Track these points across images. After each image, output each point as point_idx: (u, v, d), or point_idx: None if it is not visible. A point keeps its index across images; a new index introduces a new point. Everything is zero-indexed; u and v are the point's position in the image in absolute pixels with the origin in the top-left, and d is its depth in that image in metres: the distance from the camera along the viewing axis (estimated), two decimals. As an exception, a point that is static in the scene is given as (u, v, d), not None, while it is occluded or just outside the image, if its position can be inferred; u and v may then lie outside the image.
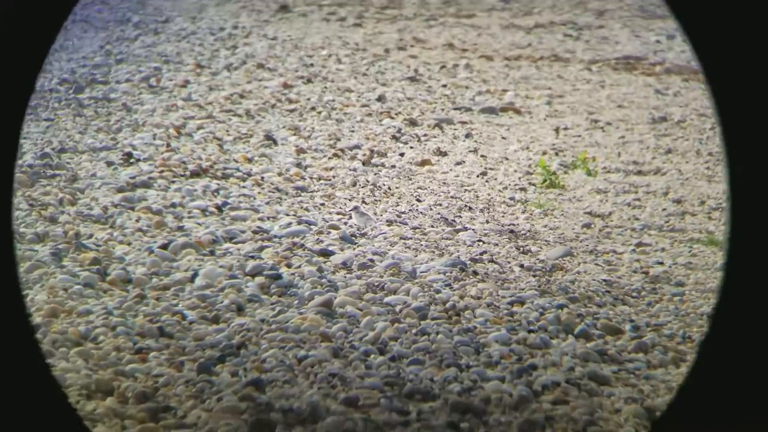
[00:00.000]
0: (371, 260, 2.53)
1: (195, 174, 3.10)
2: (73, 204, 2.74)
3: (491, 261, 2.60)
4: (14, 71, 1.13)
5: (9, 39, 1.13)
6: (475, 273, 2.49)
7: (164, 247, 2.45)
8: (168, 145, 3.37)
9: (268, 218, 2.79)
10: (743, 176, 1.23)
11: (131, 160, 3.17)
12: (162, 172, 3.07)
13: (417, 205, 3.09)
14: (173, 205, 2.79)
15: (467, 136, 4.00)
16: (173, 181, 3.01)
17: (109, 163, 3.12)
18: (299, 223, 2.75)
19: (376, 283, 2.37)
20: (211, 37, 5.25)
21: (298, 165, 3.35)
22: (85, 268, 2.28)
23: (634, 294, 2.41)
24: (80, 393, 1.73)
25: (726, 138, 1.23)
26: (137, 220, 2.65)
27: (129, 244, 2.48)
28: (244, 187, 3.05)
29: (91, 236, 2.50)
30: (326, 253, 2.55)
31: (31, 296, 2.10)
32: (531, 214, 3.10)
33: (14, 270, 1.18)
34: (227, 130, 3.67)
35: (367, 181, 3.28)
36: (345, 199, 3.08)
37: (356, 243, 2.67)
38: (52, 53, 4.46)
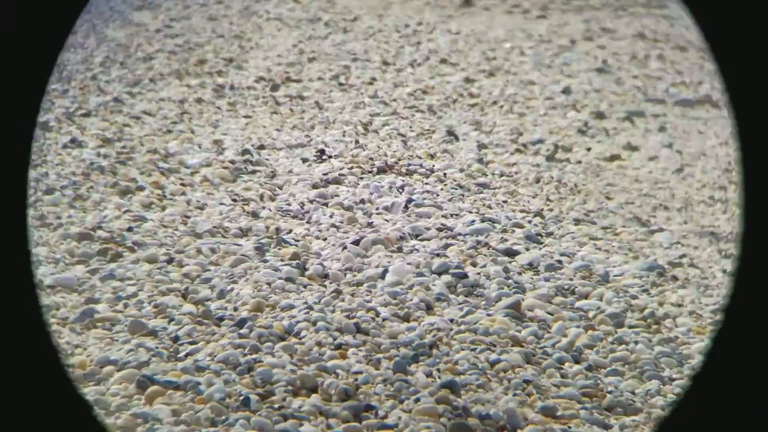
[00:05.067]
0: (559, 261, 2.46)
1: (381, 170, 3.16)
2: (272, 199, 2.87)
3: (691, 265, 2.46)
4: (18, 81, 1.10)
5: (10, 52, 1.09)
6: (675, 278, 2.36)
7: (356, 243, 2.51)
8: (356, 141, 3.46)
9: (452, 215, 2.79)
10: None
11: (324, 157, 3.28)
12: (351, 168, 3.16)
13: (606, 203, 2.97)
14: (362, 201, 2.86)
15: (661, 129, 3.80)
16: (362, 178, 3.08)
17: (304, 160, 3.23)
18: (483, 221, 2.72)
19: (565, 286, 2.30)
20: (397, 34, 5.31)
21: (480, 161, 3.32)
22: (286, 263, 2.37)
23: None
24: (286, 389, 1.80)
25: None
26: (331, 216, 2.73)
27: (324, 239, 2.57)
28: (427, 183, 3.07)
29: (290, 231, 2.60)
30: (511, 253, 2.51)
31: (237, 290, 2.22)
32: (733, 215, 2.90)
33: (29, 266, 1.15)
34: (411, 126, 3.71)
35: (552, 177, 3.20)
36: (528, 196, 3.02)
37: (542, 243, 2.61)
38: (247, 51, 4.71)
